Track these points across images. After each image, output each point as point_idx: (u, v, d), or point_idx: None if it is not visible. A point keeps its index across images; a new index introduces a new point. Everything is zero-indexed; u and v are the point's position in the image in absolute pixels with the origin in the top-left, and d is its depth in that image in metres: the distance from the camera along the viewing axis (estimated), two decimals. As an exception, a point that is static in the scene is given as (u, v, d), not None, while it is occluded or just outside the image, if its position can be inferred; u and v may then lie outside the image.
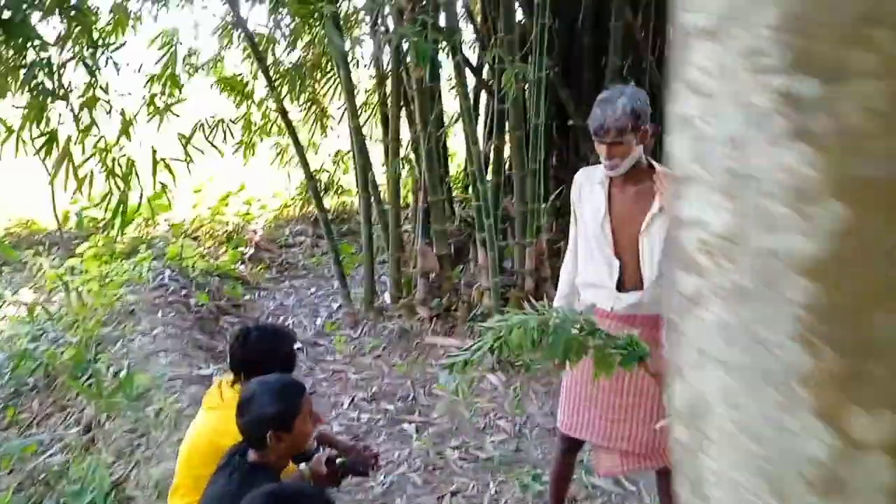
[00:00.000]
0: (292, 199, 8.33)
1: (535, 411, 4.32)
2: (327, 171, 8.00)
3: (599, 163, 2.65)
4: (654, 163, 2.65)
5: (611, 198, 2.67)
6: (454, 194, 6.74)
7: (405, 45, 4.83)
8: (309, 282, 6.85)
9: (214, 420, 2.53)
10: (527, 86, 4.78)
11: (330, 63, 6.38)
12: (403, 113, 5.50)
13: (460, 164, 7.20)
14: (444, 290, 5.62)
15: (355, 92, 5.42)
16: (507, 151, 5.49)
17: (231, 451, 2.25)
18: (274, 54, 6.49)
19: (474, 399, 4.50)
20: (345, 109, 5.64)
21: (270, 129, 7.35)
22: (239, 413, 2.15)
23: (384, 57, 5.38)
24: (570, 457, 3.07)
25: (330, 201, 5.83)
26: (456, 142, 7.31)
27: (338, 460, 2.53)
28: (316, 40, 6.13)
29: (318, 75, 6.53)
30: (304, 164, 5.88)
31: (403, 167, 5.47)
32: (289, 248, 7.68)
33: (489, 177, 5.43)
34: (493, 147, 5.20)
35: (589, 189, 2.74)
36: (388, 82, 5.36)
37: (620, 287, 2.68)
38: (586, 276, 2.77)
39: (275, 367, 2.52)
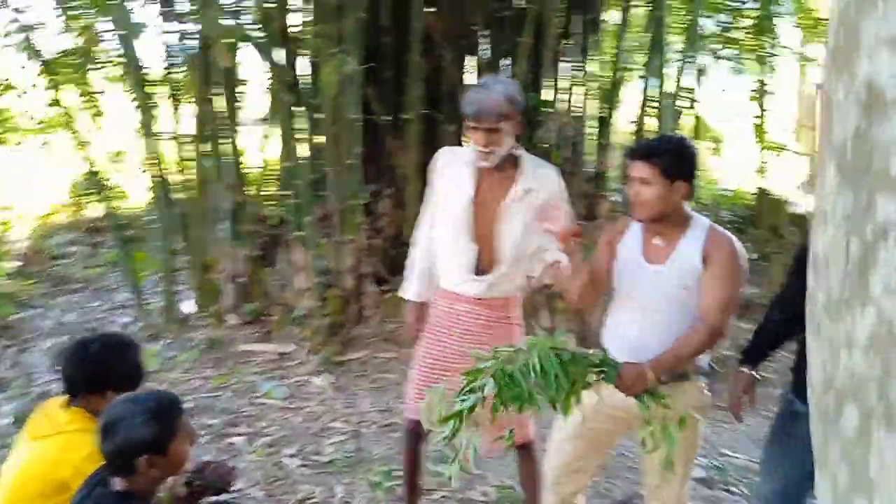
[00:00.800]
0: (65, 204, 7.41)
1: (370, 408, 4.21)
2: (101, 171, 7.21)
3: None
4: (519, 152, 2.67)
5: (477, 183, 2.66)
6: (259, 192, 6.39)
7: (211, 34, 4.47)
8: (90, 296, 6.12)
9: (47, 450, 2.13)
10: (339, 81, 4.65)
11: (110, 51, 5.75)
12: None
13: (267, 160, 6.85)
14: (254, 294, 5.30)
15: (143, 84, 4.91)
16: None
17: (90, 482, 1.90)
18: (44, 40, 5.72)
19: (303, 403, 4.29)
20: (131, 103, 5.11)
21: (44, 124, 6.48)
22: (103, 438, 1.83)
23: (184, 45, 4.95)
24: (418, 443, 2.99)
25: (108, 204, 5.21)
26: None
27: (195, 482, 2.27)
28: (95, 25, 5.48)
29: (97, 64, 5.86)
30: (84, 163, 5.23)
31: (206, 164, 5.06)
32: (60, 260, 6.83)
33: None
34: (308, 143, 4.98)
35: (456, 170, 2.69)
36: (190, 73, 4.95)
37: (478, 271, 2.69)
38: (446, 256, 2.74)
39: (121, 382, 2.19)
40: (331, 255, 5.10)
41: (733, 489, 3.41)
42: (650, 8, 6.20)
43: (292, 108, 4.74)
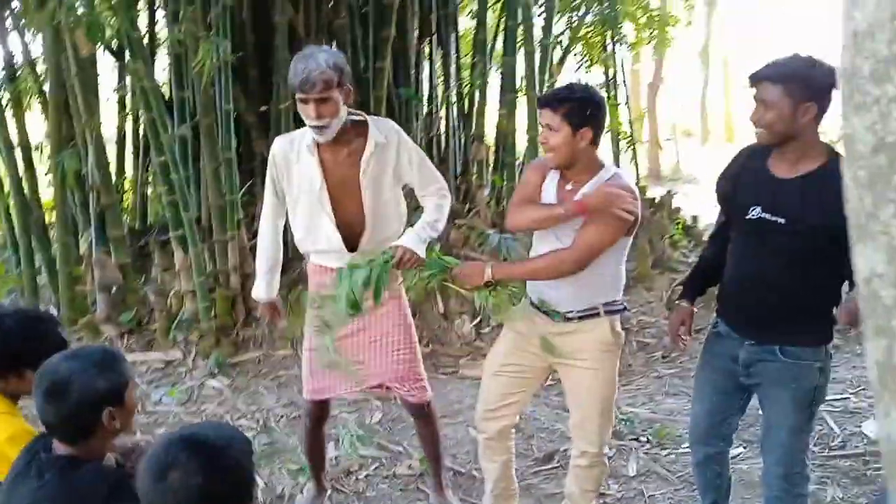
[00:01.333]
0: None
1: (274, 404, 4.08)
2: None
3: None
4: (360, 117, 2.62)
5: (324, 166, 2.57)
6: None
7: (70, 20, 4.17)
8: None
9: None
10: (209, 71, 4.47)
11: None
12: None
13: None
14: (130, 302, 4.99)
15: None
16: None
17: (29, 451, 1.74)
18: None
19: (201, 407, 4.09)
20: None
21: None
22: (50, 402, 1.68)
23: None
24: (320, 426, 2.96)
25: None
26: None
27: (126, 464, 2.13)
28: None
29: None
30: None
31: (67, 168, 4.70)
32: None
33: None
34: (178, 136, 4.74)
35: (295, 158, 2.61)
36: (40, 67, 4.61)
37: (350, 248, 2.63)
38: (313, 245, 2.69)
39: (43, 357, 2.04)
40: (212, 255, 4.90)
41: (641, 438, 3.60)
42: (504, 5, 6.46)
43: (158, 103, 4.48)
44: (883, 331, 0.77)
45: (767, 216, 2.16)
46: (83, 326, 4.79)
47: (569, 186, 2.40)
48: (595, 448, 2.54)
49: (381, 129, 2.62)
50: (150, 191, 6.14)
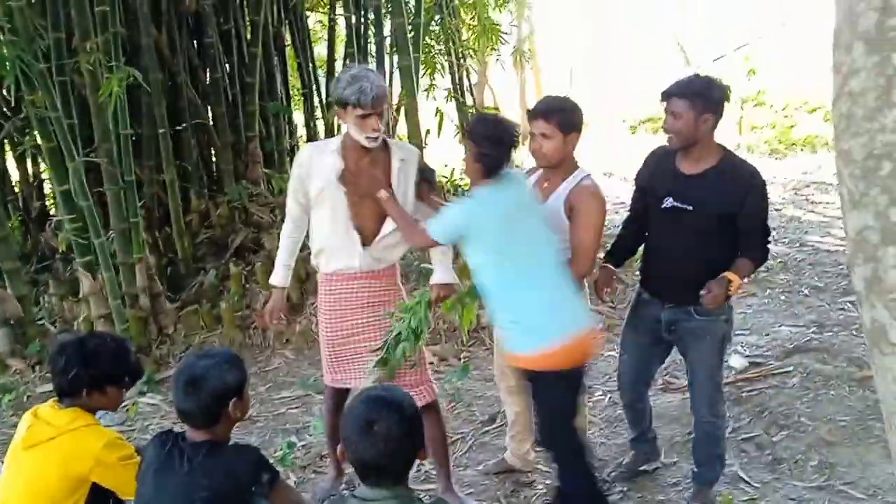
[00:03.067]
0: None
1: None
2: None
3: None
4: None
5: (346, 163, 2.88)
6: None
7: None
8: None
9: (56, 451, 2.15)
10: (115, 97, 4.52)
11: None
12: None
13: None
14: (32, 333, 4.90)
15: None
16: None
17: (164, 444, 2.00)
18: None
19: (146, 423, 4.20)
20: None
21: None
22: (186, 396, 1.97)
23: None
24: (340, 411, 3.26)
25: None
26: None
27: None
28: None
29: None
30: None
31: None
32: None
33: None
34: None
35: (319, 160, 2.92)
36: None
37: (364, 247, 2.94)
38: (328, 242, 2.96)
39: (123, 376, 2.33)
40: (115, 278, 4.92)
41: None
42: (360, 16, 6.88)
43: (62, 132, 4.48)
44: (870, 259, 1.37)
45: (678, 204, 2.78)
46: (-12, 364, 4.66)
47: (546, 185, 2.88)
48: None
49: (403, 148, 3.02)
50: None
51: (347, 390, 3.05)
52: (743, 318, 5.11)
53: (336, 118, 2.85)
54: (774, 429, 3.55)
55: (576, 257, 2.76)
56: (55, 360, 2.26)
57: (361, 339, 2.99)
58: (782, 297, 5.64)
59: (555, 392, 2.59)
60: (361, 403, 1.76)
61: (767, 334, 4.70)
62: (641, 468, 3.28)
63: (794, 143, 12.99)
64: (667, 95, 2.75)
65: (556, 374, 2.53)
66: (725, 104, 2.72)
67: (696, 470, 3.05)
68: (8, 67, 3.99)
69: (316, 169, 2.92)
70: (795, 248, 7.11)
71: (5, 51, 4.05)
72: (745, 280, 2.81)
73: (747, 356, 4.32)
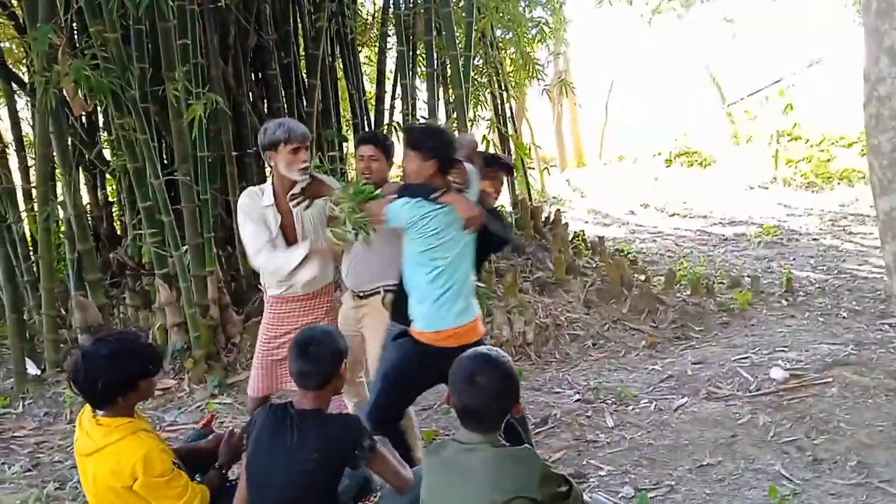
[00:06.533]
0: None
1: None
2: None
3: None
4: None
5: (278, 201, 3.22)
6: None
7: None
8: None
9: (101, 464, 2.34)
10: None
11: None
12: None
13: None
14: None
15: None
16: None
17: (275, 414, 2.30)
18: None
19: (221, 422, 4.50)
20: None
21: None
22: (313, 352, 2.27)
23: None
24: None
25: None
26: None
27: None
28: None
29: None
30: None
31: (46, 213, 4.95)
32: None
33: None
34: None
35: (259, 207, 3.22)
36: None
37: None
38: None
39: (148, 365, 2.42)
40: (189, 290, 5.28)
41: (607, 401, 4.44)
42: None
43: (149, 152, 4.89)
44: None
45: None
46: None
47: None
48: None
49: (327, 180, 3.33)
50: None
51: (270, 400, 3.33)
52: (782, 337, 5.30)
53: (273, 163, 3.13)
54: (815, 433, 3.74)
55: None
56: (76, 377, 2.32)
57: (286, 335, 3.27)
58: (821, 319, 5.82)
59: None
60: (468, 358, 2.04)
61: (807, 350, 4.88)
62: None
63: (830, 177, 13.10)
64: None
65: None
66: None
67: None
68: (103, 93, 4.39)
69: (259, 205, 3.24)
70: (833, 274, 7.28)
71: (102, 78, 4.46)
72: None
73: (787, 369, 4.50)
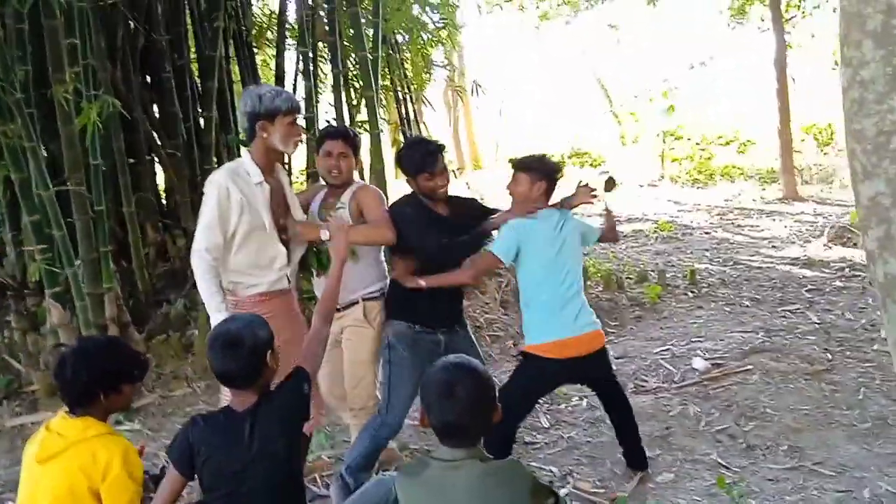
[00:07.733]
0: None
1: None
2: None
3: None
4: None
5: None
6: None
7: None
8: None
9: (71, 461, 2.11)
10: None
11: None
12: None
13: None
14: (-5, 368, 4.76)
15: None
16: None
17: (209, 422, 2.11)
18: None
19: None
20: None
21: None
22: (232, 351, 2.07)
23: None
24: None
25: None
26: None
27: None
28: None
29: None
30: None
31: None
32: None
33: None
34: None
35: (246, 187, 2.88)
36: None
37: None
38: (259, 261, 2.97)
39: (134, 370, 2.31)
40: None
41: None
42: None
43: (37, 162, 4.46)
44: (883, 220, 1.63)
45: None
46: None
47: (331, 199, 3.29)
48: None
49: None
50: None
51: None
52: (697, 327, 5.45)
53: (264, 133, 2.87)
54: (744, 420, 3.83)
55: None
56: (61, 373, 2.21)
57: None
58: (727, 309, 6.03)
59: None
60: (440, 370, 1.89)
61: (721, 340, 5.03)
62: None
63: (712, 174, 13.81)
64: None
65: None
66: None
67: None
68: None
69: (246, 194, 2.89)
70: (730, 266, 7.59)
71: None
72: None
73: (708, 359, 4.62)
